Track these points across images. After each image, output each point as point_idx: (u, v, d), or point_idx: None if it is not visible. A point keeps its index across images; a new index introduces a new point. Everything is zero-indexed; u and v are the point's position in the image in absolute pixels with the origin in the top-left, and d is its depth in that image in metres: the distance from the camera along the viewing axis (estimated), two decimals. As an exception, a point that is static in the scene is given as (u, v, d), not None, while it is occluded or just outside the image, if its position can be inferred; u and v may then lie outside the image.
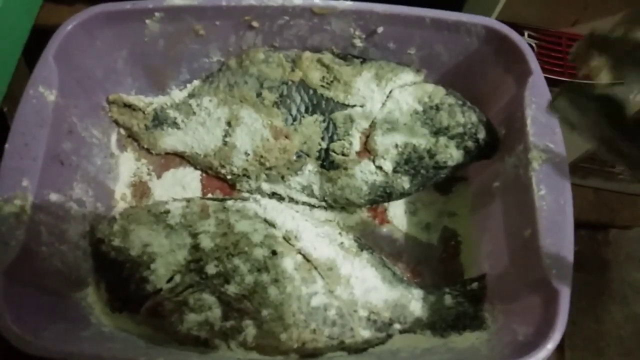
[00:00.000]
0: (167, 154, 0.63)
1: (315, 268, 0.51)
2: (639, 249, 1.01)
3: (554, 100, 0.37)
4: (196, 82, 0.62)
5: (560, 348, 0.86)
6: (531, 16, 0.74)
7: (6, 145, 0.47)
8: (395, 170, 0.57)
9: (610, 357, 0.89)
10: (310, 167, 0.58)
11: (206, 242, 0.51)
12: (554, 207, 0.46)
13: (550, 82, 0.73)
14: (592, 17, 0.74)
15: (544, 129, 0.49)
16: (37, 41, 0.55)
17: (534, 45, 0.75)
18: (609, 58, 0.34)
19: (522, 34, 0.75)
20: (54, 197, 0.49)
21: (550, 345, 0.42)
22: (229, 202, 0.56)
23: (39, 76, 0.50)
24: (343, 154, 0.58)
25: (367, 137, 0.57)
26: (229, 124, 0.59)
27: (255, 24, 0.55)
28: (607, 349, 0.92)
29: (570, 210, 0.46)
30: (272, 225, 0.53)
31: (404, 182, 0.57)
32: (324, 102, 0.58)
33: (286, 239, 0.53)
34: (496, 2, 0.64)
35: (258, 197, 0.59)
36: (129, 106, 0.60)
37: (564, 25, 0.76)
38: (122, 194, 0.61)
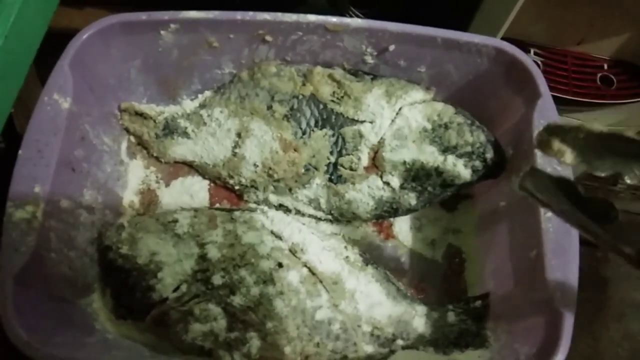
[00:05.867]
0: (176, 162, 0.63)
1: (321, 282, 0.52)
2: (638, 267, 1.02)
3: (521, 180, 0.42)
4: (208, 93, 0.62)
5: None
6: (537, 34, 0.75)
7: (20, 152, 0.47)
8: (402, 187, 0.57)
9: (607, 375, 0.90)
10: (318, 180, 0.59)
11: (213, 253, 0.52)
12: (560, 229, 0.47)
13: (556, 100, 0.74)
14: (597, 37, 0.75)
15: (552, 152, 0.50)
16: (46, 44, 0.55)
17: (539, 63, 0.76)
18: (569, 144, 0.39)
19: (528, 52, 0.76)
20: (64, 203, 0.50)
21: (552, 367, 0.42)
22: (237, 213, 0.56)
23: (54, 84, 0.50)
24: (351, 169, 0.58)
25: (376, 153, 0.58)
26: (238, 135, 0.59)
27: (268, 38, 0.56)
28: (604, 367, 0.92)
29: (577, 233, 0.47)
30: (278, 237, 0.54)
31: (411, 199, 0.57)
32: (333, 117, 0.58)
33: (292, 251, 0.53)
34: (503, 20, 0.65)
35: (265, 208, 0.60)
36: (140, 114, 0.61)
37: (569, 44, 0.77)
38: (130, 202, 0.61)
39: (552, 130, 0.39)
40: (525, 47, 0.76)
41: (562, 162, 0.39)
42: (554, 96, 0.74)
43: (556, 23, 0.74)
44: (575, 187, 0.39)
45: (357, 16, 0.66)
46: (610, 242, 0.39)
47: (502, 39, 0.57)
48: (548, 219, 0.47)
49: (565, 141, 0.39)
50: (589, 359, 0.91)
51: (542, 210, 0.48)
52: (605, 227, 0.38)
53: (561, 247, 0.46)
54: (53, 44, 0.52)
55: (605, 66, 0.78)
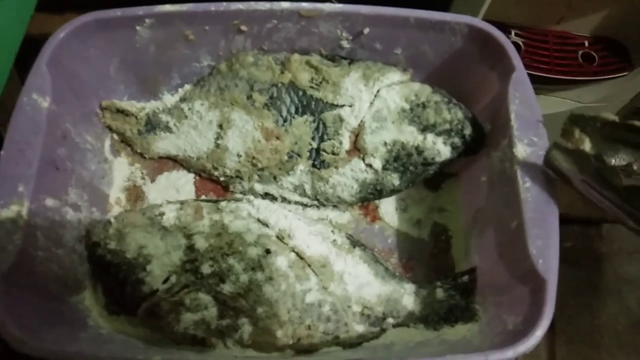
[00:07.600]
0: (160, 157, 0.64)
1: (309, 265, 0.52)
2: (632, 242, 1.03)
3: (549, 155, 0.46)
4: (187, 87, 0.62)
5: (550, 343, 0.87)
6: (518, 15, 0.76)
7: (2, 152, 0.48)
8: (384, 168, 0.58)
9: (606, 350, 0.90)
10: (302, 166, 0.59)
11: (201, 243, 0.52)
12: (539, 198, 0.47)
13: (538, 79, 0.75)
14: (576, 15, 0.75)
15: (528, 124, 0.50)
16: (27, 50, 0.55)
17: (521, 43, 0.76)
18: (588, 133, 0.44)
19: (509, 33, 0.77)
20: (49, 202, 0.50)
21: (538, 333, 0.43)
22: (223, 203, 0.56)
23: (33, 84, 0.50)
24: (333, 153, 0.59)
25: (357, 136, 0.58)
26: (220, 126, 0.60)
27: (244, 27, 0.56)
28: (602, 342, 0.92)
29: (555, 202, 0.47)
30: (265, 224, 0.54)
31: (394, 179, 0.58)
32: (313, 103, 0.59)
33: (279, 237, 0.53)
34: (482, 1, 0.65)
35: (251, 197, 0.60)
36: (121, 112, 0.61)
37: (549, 24, 0.77)
38: (116, 199, 0.61)
39: (574, 120, 0.44)
40: (506, 29, 0.76)
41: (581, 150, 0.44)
42: (537, 76, 0.75)
43: (535, 3, 0.74)
44: (590, 159, 0.42)
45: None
46: (628, 210, 0.42)
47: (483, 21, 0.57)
48: (527, 189, 0.48)
49: (585, 131, 0.44)
50: (588, 335, 0.92)
51: (520, 181, 0.48)
52: (622, 196, 0.41)
53: (541, 215, 0.47)
54: (34, 50, 0.52)
55: (586, 43, 0.78)
